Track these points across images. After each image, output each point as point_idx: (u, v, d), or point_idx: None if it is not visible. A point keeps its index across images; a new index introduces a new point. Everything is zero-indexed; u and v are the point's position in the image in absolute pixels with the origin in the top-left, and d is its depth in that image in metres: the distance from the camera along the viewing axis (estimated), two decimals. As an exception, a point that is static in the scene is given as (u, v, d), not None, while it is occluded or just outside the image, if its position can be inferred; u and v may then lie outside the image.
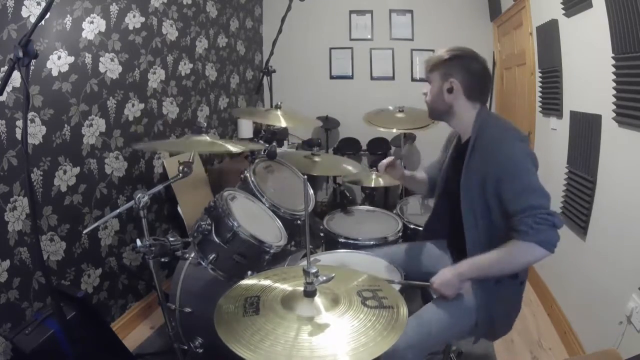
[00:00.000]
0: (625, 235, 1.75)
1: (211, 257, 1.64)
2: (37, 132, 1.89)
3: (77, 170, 2.11)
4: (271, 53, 2.56)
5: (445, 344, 1.70)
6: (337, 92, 4.39)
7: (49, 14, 1.73)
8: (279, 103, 2.32)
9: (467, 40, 3.87)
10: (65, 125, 2.03)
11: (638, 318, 1.60)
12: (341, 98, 4.35)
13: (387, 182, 2.50)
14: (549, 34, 2.56)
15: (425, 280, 1.46)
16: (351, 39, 4.33)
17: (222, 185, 2.17)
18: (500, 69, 3.89)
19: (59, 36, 1.97)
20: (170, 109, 2.85)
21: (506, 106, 3.79)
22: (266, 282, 1.15)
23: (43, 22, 1.74)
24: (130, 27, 2.43)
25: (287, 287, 1.11)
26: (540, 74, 2.76)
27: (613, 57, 1.78)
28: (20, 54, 1.14)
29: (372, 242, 2.09)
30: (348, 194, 3.58)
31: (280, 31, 2.52)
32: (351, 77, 4.39)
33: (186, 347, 1.85)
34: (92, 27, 2.16)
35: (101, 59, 2.23)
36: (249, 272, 1.64)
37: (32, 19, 1.79)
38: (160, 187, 1.60)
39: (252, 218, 1.80)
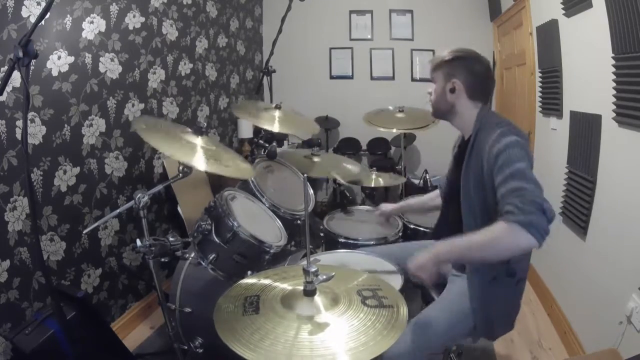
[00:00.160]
0: (625, 235, 1.75)
1: (211, 257, 1.64)
2: (37, 132, 1.89)
3: (77, 170, 2.11)
4: (271, 53, 2.57)
5: (444, 347, 1.69)
6: (337, 92, 4.39)
7: (49, 14, 1.73)
8: (279, 103, 2.32)
9: (467, 40, 3.90)
10: (65, 125, 2.04)
11: (638, 318, 1.60)
12: (341, 98, 4.36)
13: (387, 182, 2.50)
14: (549, 34, 2.56)
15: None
16: (351, 39, 4.34)
17: (222, 185, 2.17)
18: (500, 69, 3.89)
19: (59, 36, 1.97)
20: (170, 109, 2.85)
21: (506, 106, 3.79)
22: (266, 282, 1.15)
23: (43, 22, 1.75)
24: (130, 27, 2.43)
25: (286, 286, 1.11)
26: (540, 74, 2.76)
27: (613, 57, 1.78)
28: (20, 54, 1.14)
29: (372, 242, 2.09)
30: (348, 194, 3.58)
31: (280, 31, 2.52)
32: (351, 77, 4.40)
33: (186, 347, 1.85)
34: (92, 27, 2.16)
35: (101, 59, 2.23)
36: (249, 272, 1.64)
37: (32, 19, 1.79)
38: (160, 187, 1.61)
39: (252, 218, 1.80)
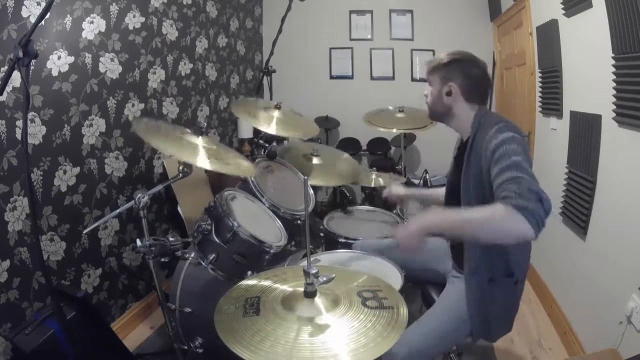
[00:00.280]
0: (625, 235, 1.75)
1: (211, 257, 1.64)
2: (37, 132, 1.89)
3: (77, 170, 2.11)
4: (271, 53, 2.57)
5: (444, 350, 1.69)
6: (337, 92, 4.39)
7: (49, 14, 1.73)
8: (279, 103, 2.32)
9: (467, 40, 3.91)
10: (65, 125, 2.03)
11: (638, 318, 1.61)
12: (341, 98, 4.35)
13: (387, 182, 2.50)
14: (549, 34, 2.56)
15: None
16: (351, 39, 4.33)
17: (222, 185, 2.17)
18: (500, 69, 3.89)
19: (59, 36, 1.97)
20: (170, 109, 2.84)
21: (506, 106, 3.79)
22: (266, 283, 1.15)
23: (43, 22, 1.74)
24: (130, 27, 2.43)
25: (287, 287, 1.11)
26: (540, 74, 2.76)
27: (613, 57, 1.78)
28: (20, 54, 1.14)
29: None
30: (348, 194, 3.58)
31: (280, 31, 2.52)
32: (351, 77, 4.39)
33: (186, 347, 1.85)
34: (92, 27, 2.16)
35: (101, 59, 2.23)
36: (249, 272, 1.65)
37: (32, 19, 1.79)
38: (160, 187, 1.60)
39: (252, 218, 1.80)
